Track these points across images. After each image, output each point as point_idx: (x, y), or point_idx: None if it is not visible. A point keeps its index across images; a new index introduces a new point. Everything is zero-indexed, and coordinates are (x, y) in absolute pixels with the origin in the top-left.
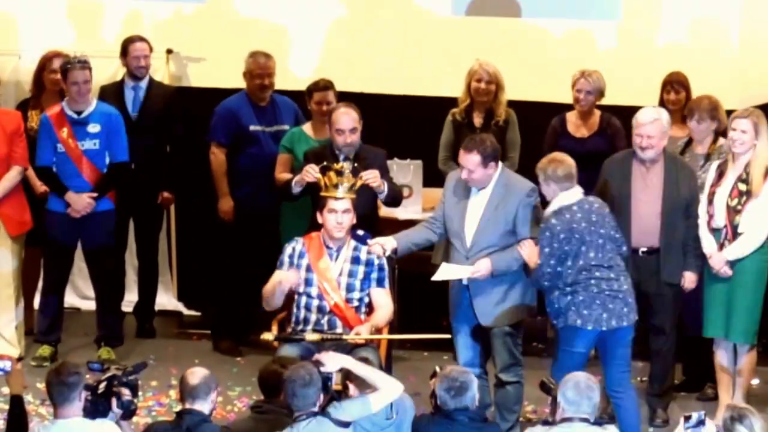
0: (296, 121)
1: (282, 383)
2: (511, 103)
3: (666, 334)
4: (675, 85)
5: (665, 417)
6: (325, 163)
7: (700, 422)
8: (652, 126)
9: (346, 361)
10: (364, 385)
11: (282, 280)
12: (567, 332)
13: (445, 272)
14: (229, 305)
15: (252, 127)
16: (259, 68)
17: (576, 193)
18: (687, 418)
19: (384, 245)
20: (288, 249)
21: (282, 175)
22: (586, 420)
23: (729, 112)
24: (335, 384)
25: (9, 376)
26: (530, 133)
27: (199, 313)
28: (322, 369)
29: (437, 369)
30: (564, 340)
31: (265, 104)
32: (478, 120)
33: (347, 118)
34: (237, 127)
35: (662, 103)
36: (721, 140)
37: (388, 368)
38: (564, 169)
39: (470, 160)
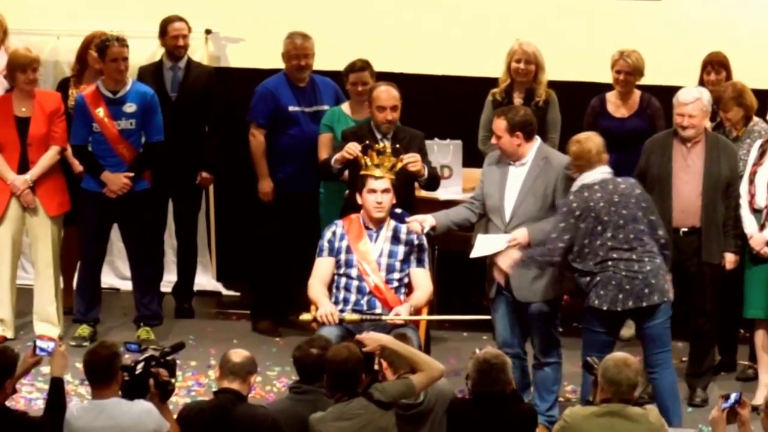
0: (337, 101)
1: (320, 366)
2: (552, 84)
3: (706, 315)
4: (715, 65)
5: (704, 396)
6: (367, 142)
7: (737, 402)
8: (694, 105)
9: (387, 341)
10: (397, 366)
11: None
12: (588, 312)
13: (482, 246)
14: (268, 286)
15: (291, 108)
16: (296, 49)
17: (600, 172)
18: (724, 398)
19: (422, 222)
20: (327, 234)
21: (325, 155)
22: (625, 400)
23: None
24: (377, 365)
25: (51, 357)
26: (571, 113)
27: (238, 294)
28: (364, 349)
29: (477, 351)
30: (587, 319)
31: (304, 85)
32: (518, 100)
33: (388, 95)
34: (276, 108)
35: (702, 84)
36: (755, 119)
37: (426, 349)
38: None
39: (497, 125)
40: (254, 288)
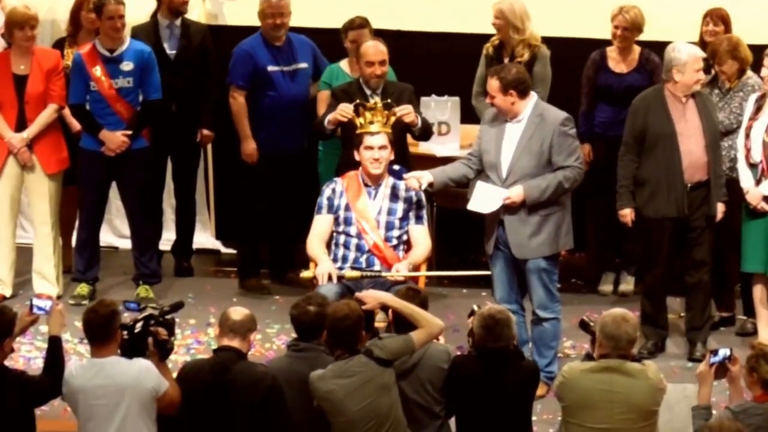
0: (314, 59)
1: (318, 323)
2: (550, 40)
3: (707, 266)
4: (714, 17)
5: (704, 351)
6: (357, 102)
7: (726, 358)
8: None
9: (387, 299)
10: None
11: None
12: None
13: (479, 199)
14: (254, 244)
15: (270, 68)
16: (271, 8)
17: None
18: (713, 353)
19: (420, 179)
20: (327, 191)
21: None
22: (624, 356)
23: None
24: (377, 322)
25: (49, 316)
26: (569, 69)
27: (236, 252)
28: (363, 307)
29: (475, 307)
30: None
31: (280, 44)
32: (506, 56)
33: (376, 50)
34: (254, 68)
35: (701, 36)
36: (749, 73)
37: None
38: None
39: (490, 85)
40: (241, 246)
